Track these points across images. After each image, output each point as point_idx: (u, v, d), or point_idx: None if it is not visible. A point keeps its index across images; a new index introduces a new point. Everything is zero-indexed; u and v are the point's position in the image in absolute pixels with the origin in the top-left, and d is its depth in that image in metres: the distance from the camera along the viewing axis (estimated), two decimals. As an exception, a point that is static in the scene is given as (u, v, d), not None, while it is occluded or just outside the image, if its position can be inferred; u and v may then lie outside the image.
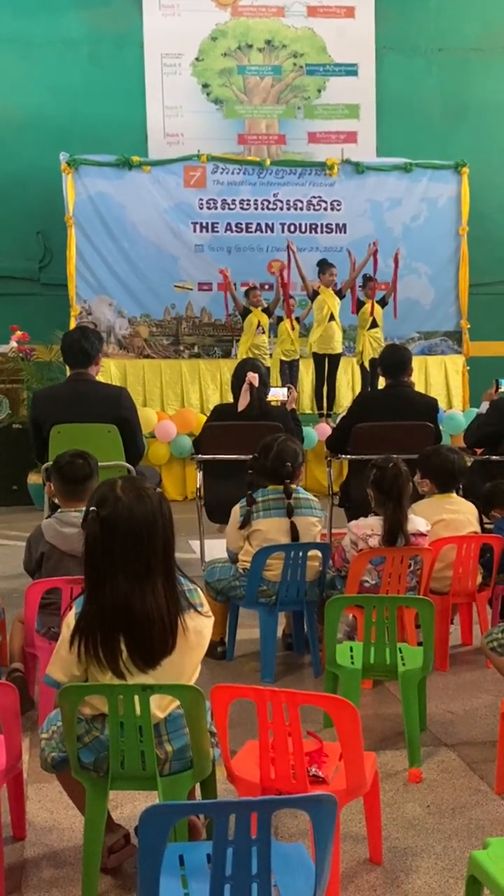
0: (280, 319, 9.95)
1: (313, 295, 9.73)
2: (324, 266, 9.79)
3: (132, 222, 10.19)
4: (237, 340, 10.40)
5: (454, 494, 4.60)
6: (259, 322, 9.72)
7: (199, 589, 2.54)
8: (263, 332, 9.76)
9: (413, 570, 4.06)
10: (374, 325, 9.82)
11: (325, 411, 9.84)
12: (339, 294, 9.76)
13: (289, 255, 9.82)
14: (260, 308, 9.78)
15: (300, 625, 4.48)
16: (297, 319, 9.93)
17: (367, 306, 9.81)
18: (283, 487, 4.23)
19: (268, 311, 9.84)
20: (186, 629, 2.43)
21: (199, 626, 2.47)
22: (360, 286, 10.02)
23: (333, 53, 11.39)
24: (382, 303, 9.98)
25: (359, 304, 9.91)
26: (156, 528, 2.39)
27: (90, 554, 2.41)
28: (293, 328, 9.83)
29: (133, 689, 2.36)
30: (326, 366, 9.76)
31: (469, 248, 10.75)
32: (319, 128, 11.40)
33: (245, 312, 9.85)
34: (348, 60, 11.42)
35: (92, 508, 2.41)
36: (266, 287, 10.24)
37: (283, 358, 9.89)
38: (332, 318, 9.62)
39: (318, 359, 9.76)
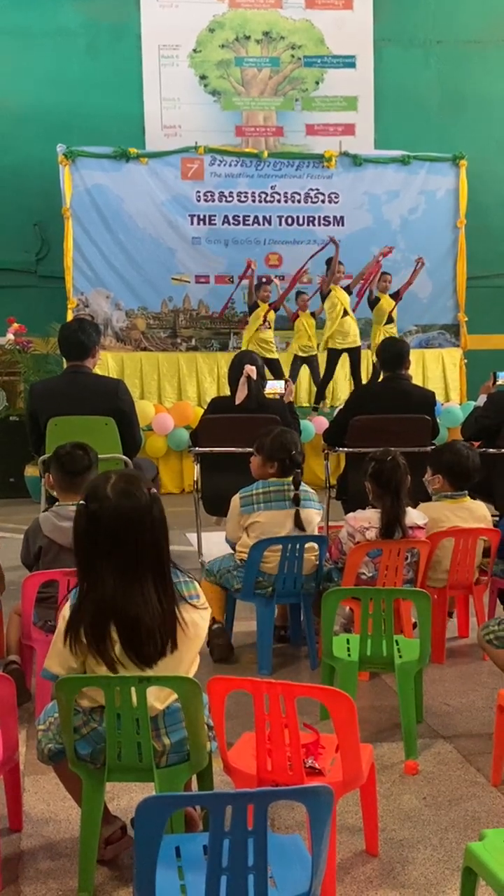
0: (295, 315, 9.92)
1: (326, 293, 9.67)
2: (331, 263, 9.76)
3: (129, 214, 10.18)
4: (234, 333, 10.39)
5: (467, 498, 4.43)
6: (265, 317, 9.67)
7: (194, 581, 2.53)
8: (270, 328, 9.72)
9: (410, 563, 4.07)
10: (389, 320, 9.80)
11: (318, 406, 9.83)
12: (347, 290, 9.75)
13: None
14: (268, 303, 9.74)
15: (297, 617, 4.48)
16: (313, 315, 9.89)
17: (384, 301, 9.77)
18: (291, 478, 4.22)
19: (274, 307, 9.80)
20: (183, 624, 2.42)
21: (196, 619, 2.46)
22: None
23: (331, 45, 11.35)
24: (396, 297, 9.95)
25: (373, 301, 9.85)
26: (142, 526, 2.36)
27: (78, 547, 2.42)
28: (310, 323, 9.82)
29: (130, 681, 2.35)
30: (347, 360, 9.70)
31: (467, 241, 10.75)
32: (317, 120, 11.37)
33: (253, 306, 9.81)
34: (346, 52, 11.38)
35: (81, 501, 2.41)
36: (264, 279, 10.23)
37: (300, 353, 9.87)
38: (345, 312, 9.58)
39: (334, 354, 9.66)
